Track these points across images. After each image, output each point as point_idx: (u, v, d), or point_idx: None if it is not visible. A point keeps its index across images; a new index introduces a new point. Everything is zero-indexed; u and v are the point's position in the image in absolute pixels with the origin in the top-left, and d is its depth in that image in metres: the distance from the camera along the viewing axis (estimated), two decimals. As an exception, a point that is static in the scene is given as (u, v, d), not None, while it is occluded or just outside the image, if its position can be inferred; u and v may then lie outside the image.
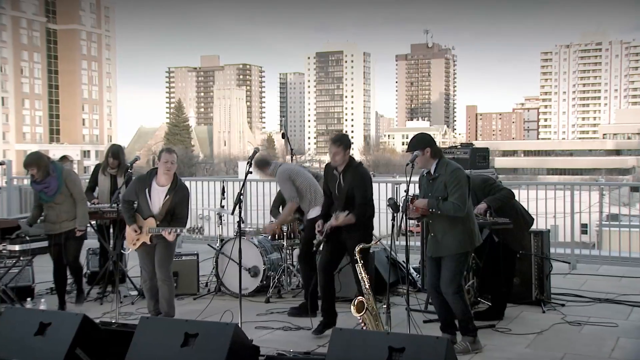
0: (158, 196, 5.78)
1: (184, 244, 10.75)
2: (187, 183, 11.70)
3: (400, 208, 4.97)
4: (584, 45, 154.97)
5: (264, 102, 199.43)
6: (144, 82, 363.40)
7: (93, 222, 7.37)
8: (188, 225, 5.79)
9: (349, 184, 5.56)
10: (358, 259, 5.21)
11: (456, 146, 7.21)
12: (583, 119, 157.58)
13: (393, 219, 4.98)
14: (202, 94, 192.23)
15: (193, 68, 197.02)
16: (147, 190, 5.77)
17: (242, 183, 5.25)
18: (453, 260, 5.09)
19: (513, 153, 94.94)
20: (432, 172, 5.10)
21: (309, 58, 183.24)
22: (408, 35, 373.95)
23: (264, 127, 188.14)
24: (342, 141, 5.61)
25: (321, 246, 5.74)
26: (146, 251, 5.88)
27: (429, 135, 5.24)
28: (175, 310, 5.99)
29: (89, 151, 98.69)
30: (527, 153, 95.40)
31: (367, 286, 5.18)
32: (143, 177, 5.89)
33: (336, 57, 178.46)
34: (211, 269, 7.68)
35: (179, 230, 5.61)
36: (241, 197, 5.16)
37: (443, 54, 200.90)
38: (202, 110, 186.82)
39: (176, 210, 5.79)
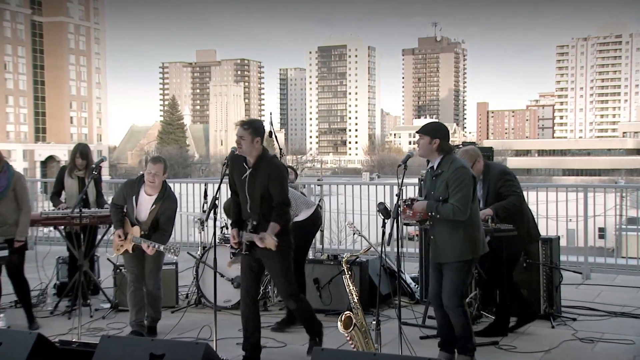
0: (145, 204, 5.75)
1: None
2: (171, 185, 11.65)
3: (392, 213, 4.76)
4: (603, 38, 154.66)
5: (263, 99, 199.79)
6: (136, 78, 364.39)
7: (61, 228, 7.19)
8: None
9: (263, 181, 4.95)
10: (345, 270, 5.01)
11: (457, 145, 6.98)
12: (601, 116, 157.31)
13: (383, 226, 4.76)
14: (198, 90, 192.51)
15: (188, 63, 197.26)
16: (134, 197, 5.74)
17: (218, 185, 5.01)
18: (454, 270, 4.90)
19: (526, 153, 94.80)
20: (434, 167, 4.95)
21: (310, 53, 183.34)
22: (415, 28, 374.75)
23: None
24: (251, 125, 4.96)
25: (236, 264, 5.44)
26: (135, 257, 5.85)
27: (446, 128, 5.07)
28: (161, 315, 6.12)
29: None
30: (541, 153, 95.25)
31: (355, 300, 4.98)
32: (132, 183, 5.87)
33: (339, 51, 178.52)
34: (192, 279, 7.48)
35: (158, 247, 5.53)
36: (216, 201, 4.94)
37: (452, 48, 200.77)
38: (198, 107, 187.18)
39: (160, 221, 5.74)
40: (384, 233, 4.75)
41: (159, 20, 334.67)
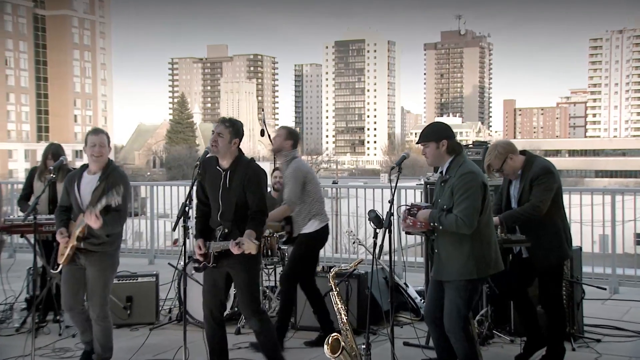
0: (88, 187, 5.22)
1: (131, 259, 10.36)
2: (163, 188, 11.34)
3: (384, 223, 4.42)
4: (639, 31, 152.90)
5: (277, 96, 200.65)
6: (144, 74, 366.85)
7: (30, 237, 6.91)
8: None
9: (239, 186, 4.72)
10: (333, 286, 4.68)
11: (468, 145, 6.62)
12: (638, 114, 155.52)
13: (375, 237, 4.43)
14: (209, 87, 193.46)
15: (199, 59, 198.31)
16: (75, 184, 5.25)
17: (188, 190, 4.68)
18: (455, 289, 4.56)
19: (556, 153, 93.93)
20: (443, 172, 4.63)
21: (327, 47, 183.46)
22: (438, 21, 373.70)
23: (277, 125, 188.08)
24: (233, 124, 4.80)
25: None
26: (71, 272, 5.26)
27: (447, 125, 4.79)
28: (112, 352, 5.40)
29: (81, 151, 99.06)
30: (572, 153, 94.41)
31: (344, 320, 4.65)
32: (72, 175, 5.40)
33: (357, 46, 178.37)
34: (175, 292, 7.19)
35: (101, 205, 4.88)
36: (187, 208, 4.61)
37: (477, 42, 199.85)
38: (209, 105, 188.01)
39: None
40: (375, 244, 4.42)
41: (168, 13, 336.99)
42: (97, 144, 5.20)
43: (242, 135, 4.85)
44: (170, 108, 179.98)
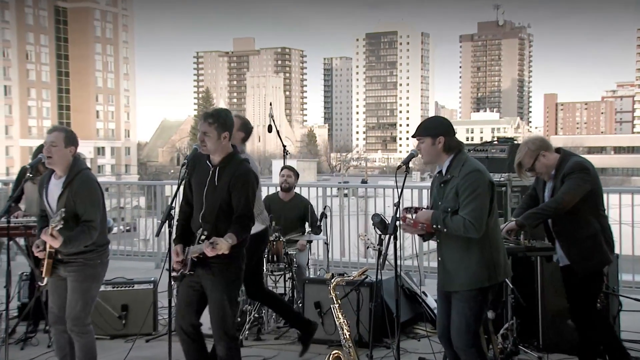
0: (55, 193, 4.94)
1: (137, 262, 10.18)
2: (163, 188, 11.16)
3: (389, 228, 4.14)
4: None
5: (306, 91, 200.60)
6: (168, 68, 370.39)
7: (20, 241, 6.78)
8: None
9: (226, 185, 4.44)
10: (334, 299, 4.41)
11: (492, 142, 6.32)
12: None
13: (380, 243, 4.16)
14: (235, 82, 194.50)
15: (224, 52, 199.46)
16: (44, 190, 5.00)
17: (174, 192, 4.45)
18: (465, 300, 4.27)
19: (601, 150, 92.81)
20: (443, 171, 4.35)
21: (357, 40, 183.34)
22: (474, 11, 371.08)
23: (305, 121, 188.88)
24: (217, 118, 4.49)
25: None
26: (56, 284, 5.01)
27: (447, 120, 4.56)
28: None
29: (103, 148, 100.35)
30: (618, 150, 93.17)
31: (346, 335, 4.39)
32: (43, 176, 5.15)
33: (389, 38, 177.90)
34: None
35: (60, 217, 4.59)
36: (172, 212, 4.37)
37: (516, 33, 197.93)
38: (235, 100, 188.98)
39: (78, 210, 4.79)
40: (380, 252, 4.14)
41: (192, 5, 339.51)
42: (48, 142, 4.89)
43: (231, 126, 4.54)
44: (195, 103, 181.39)
